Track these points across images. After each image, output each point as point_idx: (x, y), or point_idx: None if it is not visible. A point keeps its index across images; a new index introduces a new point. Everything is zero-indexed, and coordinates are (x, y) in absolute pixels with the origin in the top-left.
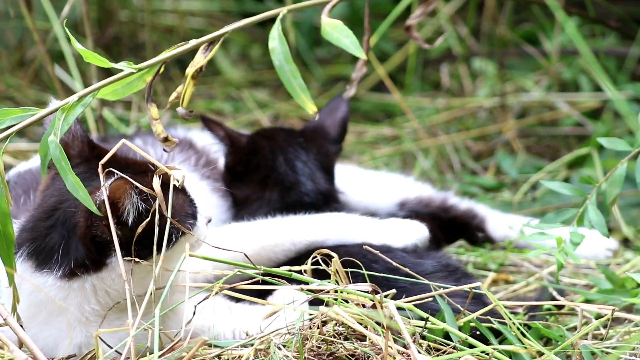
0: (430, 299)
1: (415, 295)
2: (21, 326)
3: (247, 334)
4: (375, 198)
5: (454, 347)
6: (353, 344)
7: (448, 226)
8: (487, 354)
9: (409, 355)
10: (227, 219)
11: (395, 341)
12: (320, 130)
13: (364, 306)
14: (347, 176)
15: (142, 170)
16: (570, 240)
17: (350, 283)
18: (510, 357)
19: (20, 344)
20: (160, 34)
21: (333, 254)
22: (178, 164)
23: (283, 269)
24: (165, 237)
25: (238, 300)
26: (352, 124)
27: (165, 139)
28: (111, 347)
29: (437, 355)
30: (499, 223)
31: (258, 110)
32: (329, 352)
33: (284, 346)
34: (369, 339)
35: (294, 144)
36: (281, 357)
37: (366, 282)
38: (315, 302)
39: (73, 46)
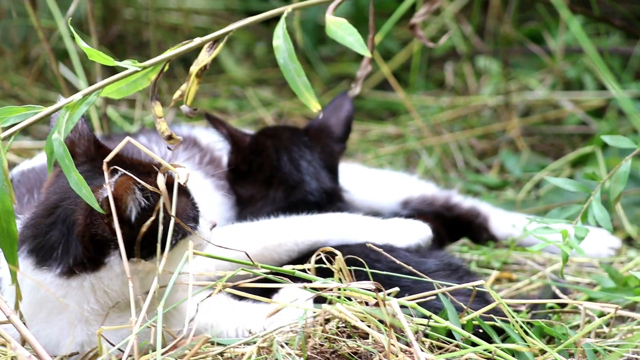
0: (433, 297)
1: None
2: (24, 324)
3: (250, 332)
4: (378, 197)
5: (457, 345)
6: (356, 341)
7: (451, 224)
8: (490, 352)
9: (411, 353)
10: (230, 217)
11: (398, 339)
12: (325, 129)
13: (367, 304)
14: (350, 175)
15: (146, 169)
16: (574, 234)
17: (354, 281)
18: (513, 356)
19: (23, 342)
20: (164, 32)
21: (337, 251)
22: (182, 162)
23: (286, 268)
24: (168, 236)
25: (241, 298)
26: (356, 122)
27: (169, 137)
28: (113, 345)
29: (440, 354)
30: (502, 221)
31: (262, 108)
32: (331, 350)
33: (286, 344)
34: (372, 337)
35: (298, 143)
36: (284, 355)
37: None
38: (318, 301)
39: (77, 44)
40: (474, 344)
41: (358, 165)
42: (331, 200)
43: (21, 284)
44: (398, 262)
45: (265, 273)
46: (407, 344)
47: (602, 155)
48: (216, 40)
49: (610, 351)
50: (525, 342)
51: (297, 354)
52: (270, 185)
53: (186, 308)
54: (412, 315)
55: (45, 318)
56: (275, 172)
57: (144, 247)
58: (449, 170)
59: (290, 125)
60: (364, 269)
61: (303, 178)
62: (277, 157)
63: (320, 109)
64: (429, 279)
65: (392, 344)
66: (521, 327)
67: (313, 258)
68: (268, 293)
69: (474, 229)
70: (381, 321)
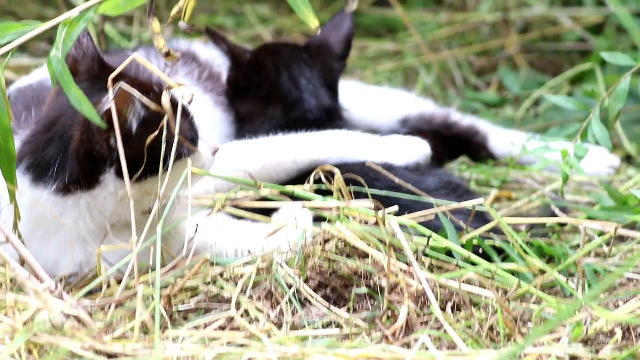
0: (433, 216)
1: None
2: (22, 244)
3: (249, 252)
4: (377, 115)
5: (457, 265)
6: (355, 261)
7: (450, 143)
8: (490, 272)
9: (411, 273)
10: (230, 133)
11: (397, 259)
12: (325, 46)
13: (366, 223)
14: (349, 92)
15: (147, 87)
16: (574, 153)
17: (353, 200)
18: (513, 275)
19: (22, 262)
20: None
21: (335, 169)
22: (181, 77)
23: (286, 188)
24: (172, 155)
25: (240, 218)
26: (354, 39)
27: (167, 54)
28: (112, 265)
29: (440, 273)
30: (501, 139)
31: (260, 25)
32: (331, 269)
33: (286, 264)
34: (371, 257)
35: (298, 60)
36: (283, 275)
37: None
38: (317, 220)
39: None
40: (473, 264)
41: (356, 82)
42: (330, 118)
43: (19, 201)
44: (397, 180)
45: (265, 192)
46: (407, 264)
47: (601, 72)
48: None
49: (610, 271)
50: (525, 261)
51: (296, 274)
52: (269, 102)
53: (185, 228)
54: (411, 234)
55: (43, 237)
56: (274, 89)
57: (139, 167)
58: (447, 87)
59: (290, 42)
60: (363, 189)
61: (302, 95)
62: (276, 74)
63: (318, 25)
64: (429, 198)
65: (391, 264)
66: (521, 246)
67: (312, 177)
68: (267, 212)
69: (472, 147)
70: (380, 240)
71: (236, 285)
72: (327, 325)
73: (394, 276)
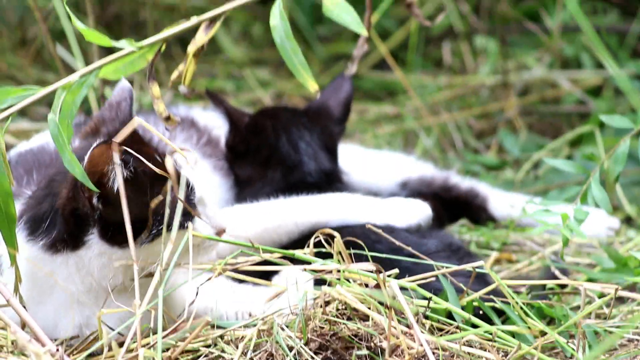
0: (433, 278)
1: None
2: (24, 307)
3: (250, 315)
4: (377, 178)
5: (457, 327)
6: (356, 324)
7: (450, 205)
8: (491, 334)
9: (412, 335)
10: (229, 198)
11: (398, 321)
12: (324, 110)
13: (367, 286)
14: (349, 156)
15: (152, 151)
16: (574, 217)
17: (353, 263)
18: (514, 337)
19: (23, 325)
20: (161, 12)
21: (335, 233)
22: (180, 142)
23: (286, 251)
24: (177, 219)
25: (241, 281)
26: (354, 102)
27: (167, 118)
28: (111, 328)
29: (441, 335)
30: (501, 202)
31: (260, 88)
32: (332, 332)
33: (287, 326)
34: (372, 319)
35: (297, 123)
36: (284, 338)
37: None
38: (318, 283)
39: (74, 25)
40: (474, 326)
41: (356, 145)
42: (330, 181)
43: (18, 258)
44: (398, 243)
45: (265, 256)
46: (408, 326)
47: (600, 135)
48: (213, 20)
49: (610, 332)
50: (526, 323)
51: (297, 337)
52: (269, 166)
53: (186, 291)
54: (412, 297)
55: (40, 298)
56: (274, 152)
57: (124, 231)
58: (447, 150)
59: (289, 106)
60: (365, 252)
61: (301, 159)
62: (275, 138)
63: (317, 88)
64: (429, 260)
65: (392, 326)
66: (521, 308)
67: (312, 240)
68: (268, 275)
69: (472, 209)
70: (381, 303)
71: (237, 347)
72: None
73: (395, 338)
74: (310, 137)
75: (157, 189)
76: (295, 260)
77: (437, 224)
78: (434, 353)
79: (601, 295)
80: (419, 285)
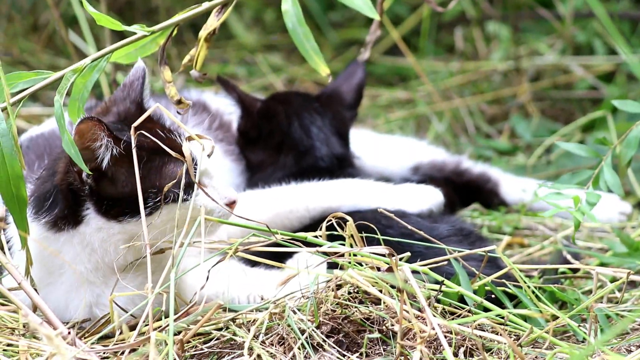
0: (445, 262)
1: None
2: (35, 290)
3: (262, 298)
4: (389, 163)
5: (469, 311)
6: (368, 307)
7: (462, 190)
8: (502, 318)
9: (424, 319)
10: (240, 183)
11: (410, 305)
12: (336, 95)
13: (378, 269)
14: (361, 141)
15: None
16: (586, 200)
17: (365, 247)
18: (526, 321)
19: (34, 308)
20: None
21: (348, 217)
22: (192, 126)
23: (298, 234)
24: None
25: (253, 264)
26: (367, 88)
27: (179, 102)
28: (123, 309)
29: (452, 319)
30: (513, 187)
31: (272, 74)
32: (343, 315)
33: (298, 310)
34: (384, 303)
35: (309, 109)
36: (296, 321)
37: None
38: (331, 267)
39: (86, 10)
40: (486, 309)
41: (368, 130)
42: (342, 166)
43: (28, 240)
44: (410, 227)
45: (280, 239)
46: (420, 310)
47: (613, 120)
48: (224, 5)
49: (622, 316)
50: (537, 307)
51: (309, 320)
52: (281, 151)
53: (197, 274)
54: (424, 281)
55: (48, 279)
56: (286, 137)
57: (121, 204)
58: (459, 135)
59: (301, 91)
60: (376, 235)
61: (313, 144)
62: (287, 123)
63: (329, 73)
64: (441, 245)
65: (404, 310)
66: (533, 292)
67: (324, 224)
68: (280, 259)
69: (484, 194)
70: (393, 287)
71: (249, 331)
72: None
73: (407, 322)
74: (323, 122)
75: (153, 163)
76: (307, 244)
77: (449, 209)
78: (445, 337)
79: (613, 280)
80: (430, 269)
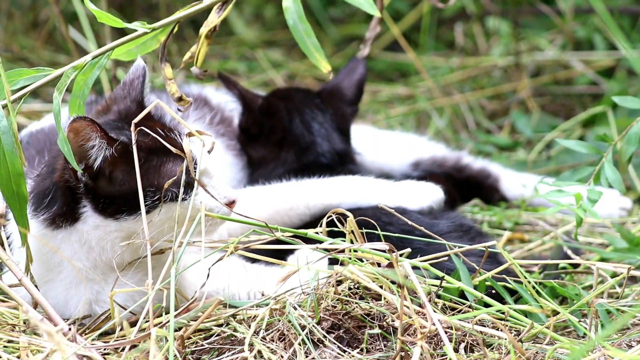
0: (446, 258)
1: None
2: (35, 286)
3: (262, 294)
4: (389, 159)
5: (470, 306)
6: (369, 303)
7: (462, 186)
8: (503, 313)
9: (424, 315)
10: (241, 178)
11: (410, 300)
12: (337, 91)
13: (379, 265)
14: (361, 136)
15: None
16: (587, 197)
17: (366, 243)
18: (526, 316)
19: (35, 304)
20: None
21: (348, 213)
22: (192, 122)
23: (299, 230)
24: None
25: (254, 261)
26: (367, 83)
27: (180, 99)
28: (122, 306)
29: (453, 314)
30: (513, 182)
31: (272, 70)
32: (344, 311)
33: (299, 306)
34: (385, 299)
35: (310, 105)
36: (296, 317)
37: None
38: (332, 263)
39: (86, 7)
40: (486, 305)
41: (369, 126)
42: (343, 162)
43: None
44: (410, 223)
45: (281, 236)
46: (420, 305)
47: (613, 115)
48: (225, 1)
49: (623, 311)
50: (538, 302)
51: (309, 316)
52: (282, 147)
53: (197, 271)
54: (424, 277)
55: (48, 276)
56: (287, 133)
57: (118, 202)
58: (459, 130)
59: (302, 87)
60: (376, 232)
61: (315, 140)
62: (289, 119)
63: (330, 69)
64: (442, 240)
65: (404, 305)
66: (534, 287)
67: (324, 220)
68: (280, 255)
69: (484, 189)
70: (393, 282)
71: (249, 327)
72: None
73: (407, 317)
74: (324, 118)
75: (152, 162)
76: (308, 240)
77: (449, 204)
78: (446, 332)
79: (613, 275)
80: (431, 264)
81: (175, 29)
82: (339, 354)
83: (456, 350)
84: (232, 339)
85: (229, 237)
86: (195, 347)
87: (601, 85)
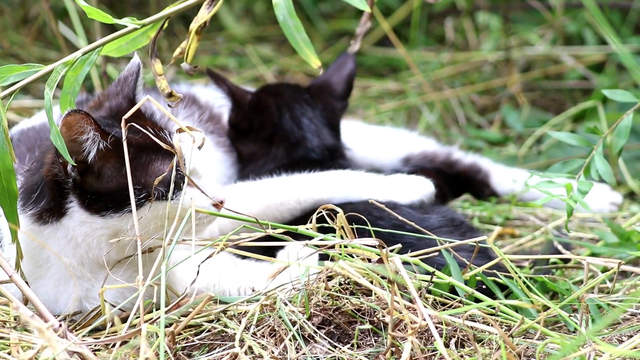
0: (436, 253)
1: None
2: (26, 283)
3: (252, 290)
4: (379, 154)
5: (460, 302)
6: (359, 298)
7: (453, 181)
8: (494, 308)
9: (415, 310)
10: (231, 175)
11: (401, 296)
12: (327, 86)
13: (369, 261)
14: (352, 132)
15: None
16: (578, 188)
17: (356, 238)
18: (517, 311)
19: (26, 300)
20: None
21: (338, 209)
22: (182, 120)
23: (289, 227)
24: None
25: (244, 256)
26: (357, 79)
27: (170, 95)
28: (109, 301)
29: (444, 310)
30: (504, 177)
31: (262, 65)
32: (335, 307)
33: (289, 301)
34: (375, 294)
35: (300, 100)
36: (287, 312)
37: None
38: (323, 259)
39: (76, 3)
40: (477, 300)
41: (359, 122)
42: (333, 157)
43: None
44: (401, 218)
45: (272, 233)
46: (411, 301)
47: (603, 110)
48: None
49: (613, 306)
50: (529, 297)
51: (300, 311)
52: (272, 143)
53: (187, 267)
54: (415, 272)
55: (37, 273)
56: (277, 129)
57: (105, 199)
58: (450, 126)
59: (292, 83)
60: (367, 227)
61: (305, 135)
62: (278, 115)
63: (320, 65)
64: (432, 236)
65: (395, 301)
66: (524, 282)
67: (314, 216)
68: (271, 251)
69: (475, 185)
70: (384, 278)
71: (240, 322)
72: None
73: (398, 313)
74: (313, 114)
75: (140, 160)
76: (298, 236)
77: (439, 199)
78: (437, 327)
79: (604, 270)
80: (421, 260)
81: (166, 24)
82: (329, 349)
83: (447, 345)
84: (223, 334)
85: (220, 232)
86: (186, 343)
87: (591, 80)
